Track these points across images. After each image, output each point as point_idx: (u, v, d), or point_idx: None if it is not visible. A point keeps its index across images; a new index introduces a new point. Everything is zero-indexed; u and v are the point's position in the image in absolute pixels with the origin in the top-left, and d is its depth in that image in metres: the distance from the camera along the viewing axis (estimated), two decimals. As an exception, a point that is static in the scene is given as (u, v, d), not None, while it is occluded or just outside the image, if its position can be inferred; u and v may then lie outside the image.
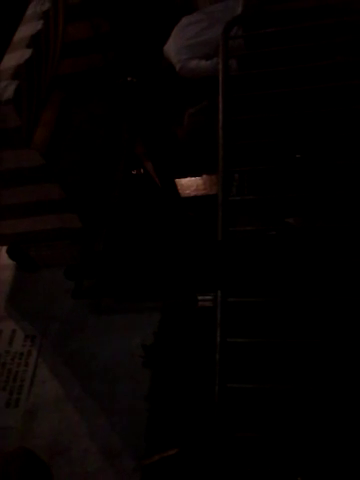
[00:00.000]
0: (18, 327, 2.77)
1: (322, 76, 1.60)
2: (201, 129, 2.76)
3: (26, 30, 2.05)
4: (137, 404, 2.26)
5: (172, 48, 2.74)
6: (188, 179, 3.08)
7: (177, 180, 3.08)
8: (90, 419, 2.33)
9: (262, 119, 1.57)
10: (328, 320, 1.32)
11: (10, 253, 2.84)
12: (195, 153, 2.99)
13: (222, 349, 1.17)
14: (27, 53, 1.97)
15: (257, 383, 1.15)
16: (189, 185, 3.09)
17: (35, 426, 2.39)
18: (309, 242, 1.51)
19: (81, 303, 2.71)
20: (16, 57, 1.98)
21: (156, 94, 3.12)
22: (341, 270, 1.37)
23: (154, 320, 2.49)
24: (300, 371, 1.23)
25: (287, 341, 1.15)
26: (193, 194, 3.03)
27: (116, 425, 2.26)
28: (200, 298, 2.22)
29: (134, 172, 3.17)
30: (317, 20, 1.59)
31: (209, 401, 1.23)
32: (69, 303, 2.72)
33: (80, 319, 2.66)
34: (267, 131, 1.56)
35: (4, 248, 2.93)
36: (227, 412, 1.11)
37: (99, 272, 2.67)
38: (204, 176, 3.02)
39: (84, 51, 2.86)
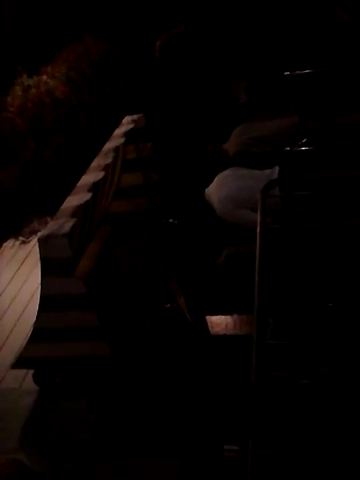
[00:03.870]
0: (28, 463, 2.60)
1: (350, 235, 1.74)
2: (235, 271, 2.91)
3: (89, 178, 2.39)
4: None
5: (215, 194, 3.10)
6: (219, 317, 3.12)
7: (208, 317, 3.12)
8: None
9: (295, 269, 1.67)
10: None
11: (36, 378, 2.82)
12: (227, 291, 3.08)
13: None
14: (87, 196, 2.26)
15: None
16: (219, 323, 3.11)
17: None
18: (341, 393, 1.47)
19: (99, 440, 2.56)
20: (77, 199, 2.27)
21: (194, 235, 3.37)
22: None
23: (174, 467, 2.31)
24: None
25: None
26: (222, 332, 3.04)
27: None
28: (226, 448, 2.07)
29: (167, 306, 3.26)
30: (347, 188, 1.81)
31: None
32: (86, 438, 2.58)
33: (96, 459, 2.49)
34: (301, 281, 1.66)
35: (30, 372, 2.92)
36: None
37: (122, 406, 2.57)
38: (235, 315, 3.06)
39: (134, 195, 3.22)
